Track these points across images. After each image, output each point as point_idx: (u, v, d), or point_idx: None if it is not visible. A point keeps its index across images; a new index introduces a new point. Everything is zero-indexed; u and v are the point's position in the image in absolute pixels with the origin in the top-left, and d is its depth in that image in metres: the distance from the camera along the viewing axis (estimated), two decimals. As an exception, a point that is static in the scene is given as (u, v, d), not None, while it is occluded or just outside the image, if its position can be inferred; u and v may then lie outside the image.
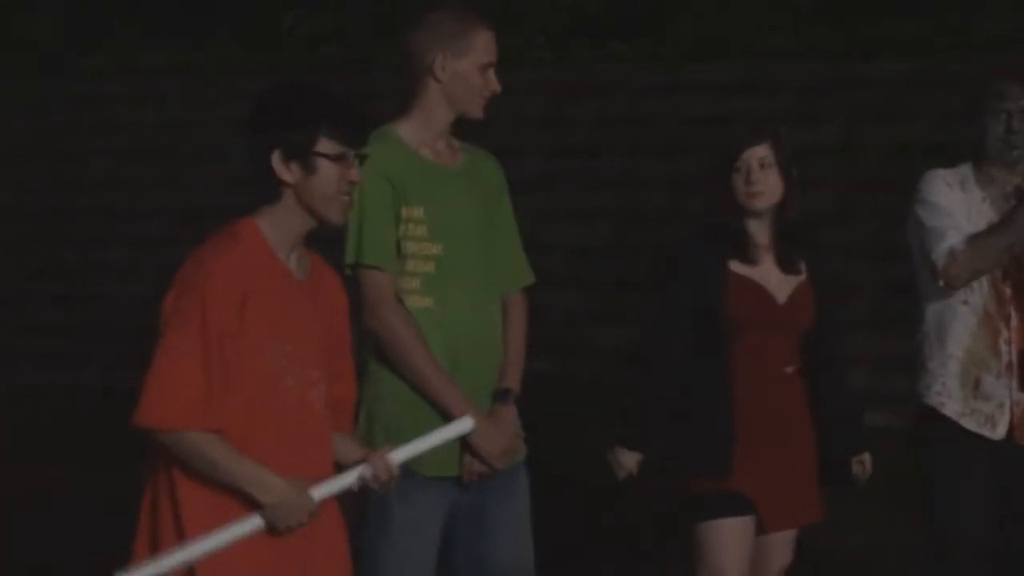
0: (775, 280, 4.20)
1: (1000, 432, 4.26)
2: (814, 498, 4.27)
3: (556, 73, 8.72)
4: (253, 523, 3.12)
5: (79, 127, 10.01)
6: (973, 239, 4.18)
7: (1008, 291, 4.29)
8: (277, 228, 3.18)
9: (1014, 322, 4.28)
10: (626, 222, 8.57)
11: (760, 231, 4.19)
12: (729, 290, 4.15)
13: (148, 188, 9.74)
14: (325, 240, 3.40)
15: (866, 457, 4.29)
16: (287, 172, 3.15)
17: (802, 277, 4.22)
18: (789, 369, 4.21)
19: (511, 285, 4.04)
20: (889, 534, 6.13)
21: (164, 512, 3.13)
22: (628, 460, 4.17)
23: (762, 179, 4.15)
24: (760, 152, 4.16)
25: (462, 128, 4.00)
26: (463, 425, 3.41)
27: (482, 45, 3.90)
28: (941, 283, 4.23)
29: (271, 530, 3.13)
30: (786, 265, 4.19)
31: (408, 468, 3.75)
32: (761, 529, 4.20)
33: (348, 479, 3.25)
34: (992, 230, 4.21)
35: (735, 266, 4.18)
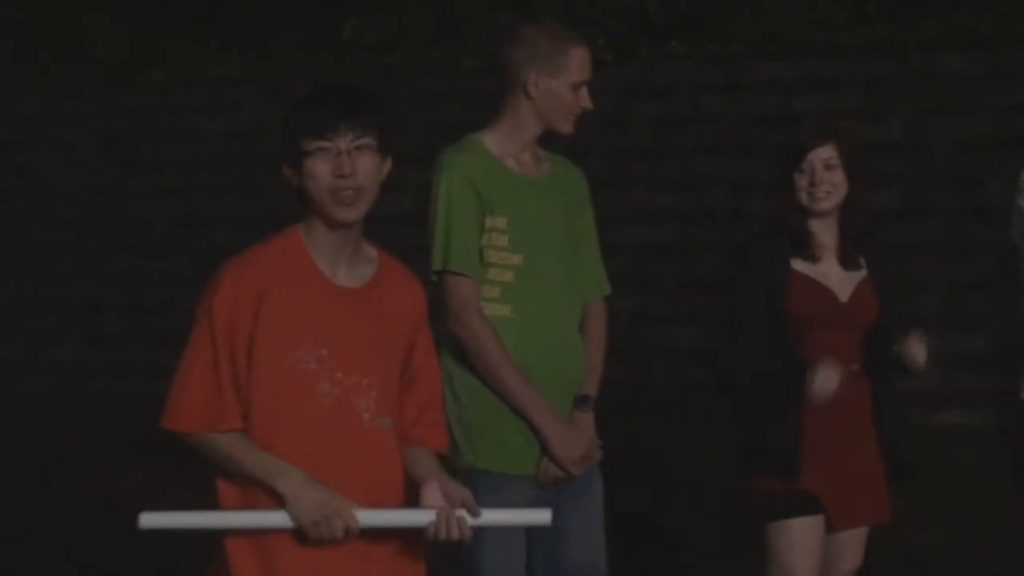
0: (837, 278, 4.19)
1: None
2: (883, 496, 4.24)
3: (619, 74, 8.72)
4: (281, 517, 3.07)
5: (146, 138, 10.12)
6: None
7: None
8: (314, 235, 3.15)
9: None
10: (691, 223, 8.55)
11: (823, 231, 4.18)
12: (792, 289, 4.14)
13: (216, 197, 9.83)
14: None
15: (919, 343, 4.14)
16: (295, 179, 3.13)
17: (863, 275, 4.20)
18: (854, 367, 4.18)
19: (592, 295, 4.05)
20: (962, 531, 6.08)
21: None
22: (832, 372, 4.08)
23: (827, 180, 4.13)
24: (825, 153, 4.14)
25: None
26: (542, 516, 3.21)
27: (576, 64, 3.94)
28: None
29: (301, 535, 3.05)
30: (847, 263, 4.18)
31: (498, 467, 3.80)
32: (830, 528, 4.18)
33: (412, 519, 3.10)
34: None
35: (798, 265, 4.17)
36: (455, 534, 3.08)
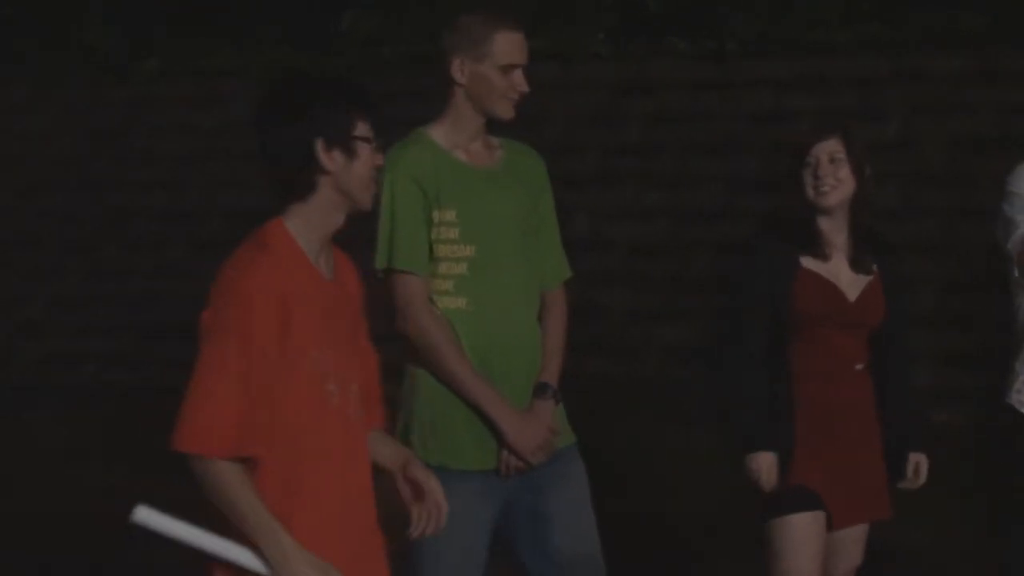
0: (846, 278, 4.16)
1: None
2: (883, 495, 4.22)
3: (613, 69, 8.69)
4: (255, 563, 2.99)
5: (137, 130, 10.08)
6: None
7: None
8: (310, 226, 3.08)
9: None
10: (683, 220, 8.53)
11: (832, 228, 4.14)
12: (800, 286, 4.11)
13: (206, 189, 9.79)
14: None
15: (922, 458, 4.22)
16: (330, 161, 3.07)
17: (873, 276, 4.18)
18: (859, 366, 4.17)
19: (551, 281, 4.05)
20: (951, 530, 6.07)
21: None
22: (763, 462, 4.08)
23: (831, 173, 4.10)
24: (830, 147, 4.11)
25: (516, 125, 4.00)
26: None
27: (501, 47, 3.92)
28: (1016, 273, 4.16)
29: None
30: (857, 265, 4.15)
31: (444, 462, 3.78)
32: (830, 525, 4.16)
33: None
34: None
35: (806, 262, 4.14)
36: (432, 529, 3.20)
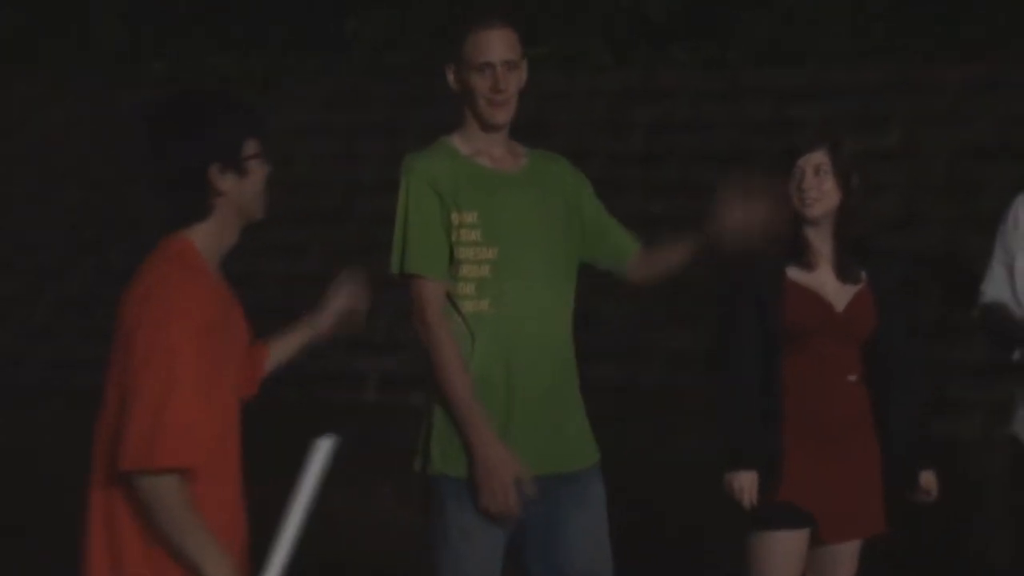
0: (832, 288, 4.19)
1: None
2: (878, 509, 4.24)
3: (617, 78, 8.71)
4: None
5: (144, 131, 10.09)
6: (992, 312, 4.16)
7: None
8: (211, 243, 3.12)
9: None
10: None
11: (818, 238, 4.18)
12: (786, 298, 4.14)
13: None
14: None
15: (931, 475, 4.24)
16: (225, 183, 3.11)
17: (861, 285, 4.20)
18: (852, 378, 4.19)
19: (632, 249, 4.15)
20: (950, 544, 6.08)
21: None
22: (745, 481, 4.12)
23: (815, 186, 4.14)
24: (816, 159, 4.15)
25: (519, 133, 4.03)
26: (323, 448, 3.10)
27: (472, 48, 3.94)
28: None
29: None
30: (844, 274, 4.18)
31: (462, 473, 3.80)
32: (822, 540, 4.18)
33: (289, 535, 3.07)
34: (1006, 325, 4.15)
35: (792, 273, 4.17)
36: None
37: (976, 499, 5.89)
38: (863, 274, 4.16)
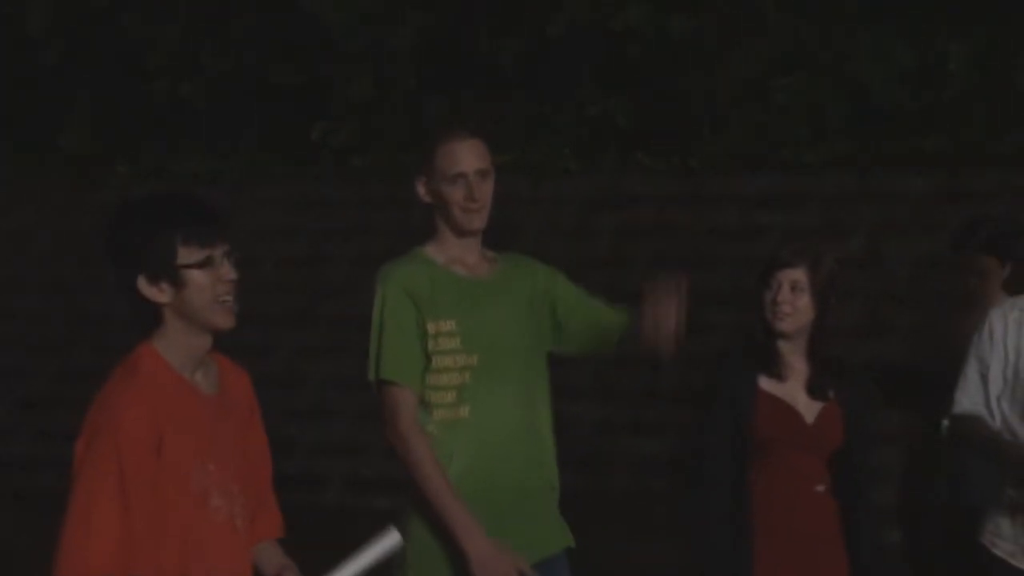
0: (803, 400, 4.19)
1: None
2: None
3: (583, 183, 8.77)
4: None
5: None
6: (963, 423, 4.18)
7: None
8: (174, 349, 3.05)
9: None
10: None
11: (790, 351, 4.18)
12: (758, 408, 4.13)
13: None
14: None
15: None
16: (159, 294, 3.03)
17: (830, 399, 4.21)
18: (820, 488, 4.18)
19: (620, 321, 4.05)
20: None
21: None
22: None
23: (790, 301, 4.14)
24: (794, 275, 4.15)
25: (486, 239, 4.04)
26: (390, 539, 3.20)
27: (443, 160, 3.93)
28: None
29: None
30: (814, 391, 4.18)
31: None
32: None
33: None
34: (986, 439, 4.18)
35: (764, 383, 4.17)
36: None
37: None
38: (830, 391, 4.16)
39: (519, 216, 8.24)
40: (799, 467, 4.15)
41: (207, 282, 3.04)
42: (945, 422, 4.26)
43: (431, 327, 3.88)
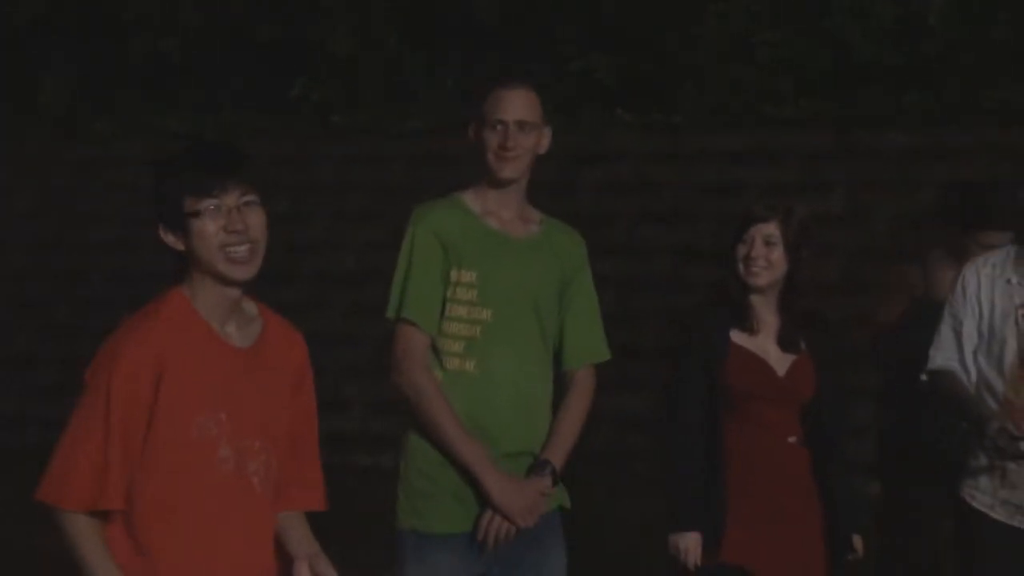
0: (775, 353, 4.23)
1: None
2: (821, 568, 4.26)
3: (565, 140, 8.76)
4: None
5: (89, 190, 10.06)
6: (939, 378, 4.21)
7: None
8: (201, 297, 3.10)
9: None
10: (633, 290, 8.59)
11: (762, 305, 4.21)
12: (730, 361, 4.16)
13: (156, 252, 9.76)
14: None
15: (858, 540, 4.26)
16: (176, 242, 3.10)
17: (801, 352, 4.24)
18: (792, 439, 4.21)
19: (575, 360, 4.01)
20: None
21: None
22: (690, 542, 4.12)
23: (763, 256, 4.17)
24: (766, 230, 4.18)
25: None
26: None
27: (489, 104, 3.94)
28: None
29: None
30: (785, 344, 4.21)
31: (416, 527, 3.77)
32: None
33: None
34: (958, 397, 4.21)
35: (736, 336, 4.20)
36: None
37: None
38: (802, 343, 4.19)
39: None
40: (771, 419, 4.18)
41: (210, 231, 3.06)
42: (923, 377, 4.30)
43: (454, 274, 3.88)
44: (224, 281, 3.08)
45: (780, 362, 4.22)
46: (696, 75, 8.75)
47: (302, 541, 3.16)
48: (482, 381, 3.87)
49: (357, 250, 8.95)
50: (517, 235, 3.95)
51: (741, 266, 4.19)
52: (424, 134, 9.01)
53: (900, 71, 8.38)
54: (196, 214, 3.06)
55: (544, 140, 4.00)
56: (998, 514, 4.21)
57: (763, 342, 4.23)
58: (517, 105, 3.93)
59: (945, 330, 4.28)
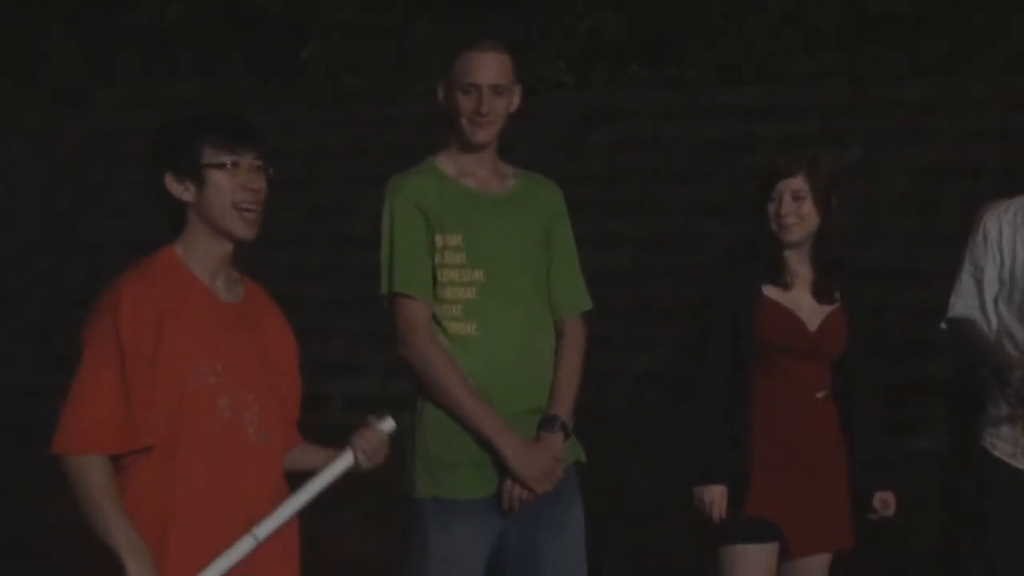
0: (807, 307, 4.21)
1: None
2: (846, 524, 4.25)
3: (576, 98, 8.72)
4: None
5: (99, 160, 10.04)
6: (960, 326, 4.19)
7: None
8: (193, 252, 3.17)
9: None
10: (645, 247, 8.56)
11: (796, 259, 4.19)
12: (761, 315, 4.15)
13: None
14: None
15: (890, 497, 4.25)
16: (184, 191, 3.17)
17: (835, 305, 4.22)
18: (820, 395, 4.20)
19: (566, 311, 4.01)
20: (913, 556, 6.09)
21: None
22: (715, 494, 4.12)
23: (793, 211, 4.15)
24: (794, 184, 4.16)
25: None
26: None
27: (460, 68, 3.94)
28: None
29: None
30: (821, 295, 4.19)
31: (444, 494, 3.77)
32: (790, 553, 4.18)
33: (324, 479, 3.21)
34: (978, 345, 4.18)
35: (768, 291, 4.19)
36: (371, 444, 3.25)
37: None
38: (837, 295, 4.18)
39: (512, 131, 8.14)
40: (800, 374, 4.17)
41: (228, 185, 3.14)
42: (942, 325, 4.28)
43: (439, 240, 3.89)
44: (228, 237, 3.16)
45: (813, 317, 4.21)
46: (708, 31, 8.69)
47: (320, 451, 3.31)
48: (486, 343, 3.88)
49: (368, 213, 8.92)
50: (495, 192, 3.96)
51: (773, 224, 4.16)
52: (433, 95, 8.96)
53: (915, 22, 8.31)
54: (218, 166, 3.12)
55: (515, 99, 3.99)
56: (1019, 462, 4.20)
57: (797, 296, 4.22)
58: (491, 69, 3.92)
59: (965, 278, 4.25)
